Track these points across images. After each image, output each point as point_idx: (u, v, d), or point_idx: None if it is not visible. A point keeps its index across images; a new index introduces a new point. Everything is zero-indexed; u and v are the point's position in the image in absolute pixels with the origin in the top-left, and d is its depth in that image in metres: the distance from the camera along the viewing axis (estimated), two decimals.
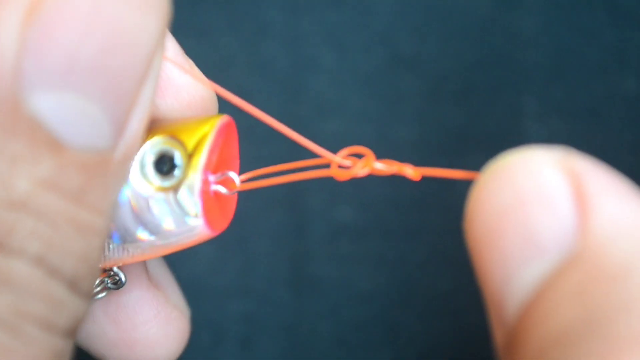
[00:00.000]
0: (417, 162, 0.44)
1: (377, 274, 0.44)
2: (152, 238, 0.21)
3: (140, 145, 0.18)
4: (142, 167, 0.20)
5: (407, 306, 0.44)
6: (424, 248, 0.44)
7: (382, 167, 0.21)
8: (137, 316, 0.25)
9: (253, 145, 0.43)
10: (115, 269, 0.24)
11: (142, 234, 0.20)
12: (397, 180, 0.44)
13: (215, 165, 0.21)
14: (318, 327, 0.43)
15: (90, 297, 0.17)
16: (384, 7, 0.46)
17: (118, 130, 0.17)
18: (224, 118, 0.22)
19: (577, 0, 0.46)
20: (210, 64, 0.45)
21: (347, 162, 0.22)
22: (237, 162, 0.23)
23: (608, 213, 0.16)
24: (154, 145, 0.20)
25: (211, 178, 0.21)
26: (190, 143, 0.20)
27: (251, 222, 0.44)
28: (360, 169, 0.21)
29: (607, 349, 0.14)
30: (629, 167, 0.45)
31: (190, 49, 0.45)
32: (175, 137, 0.20)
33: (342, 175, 0.21)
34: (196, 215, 0.20)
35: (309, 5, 0.45)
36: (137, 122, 0.17)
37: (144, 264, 0.26)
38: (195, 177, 0.20)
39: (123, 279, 0.24)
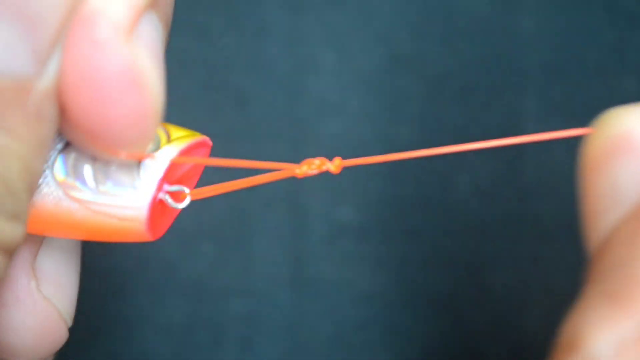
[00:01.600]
0: (416, 162, 0.44)
1: (377, 274, 0.44)
2: (91, 186, 0.20)
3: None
4: None
5: (407, 306, 0.44)
6: (424, 248, 0.44)
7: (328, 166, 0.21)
8: None
9: (254, 145, 0.43)
10: None
11: (87, 178, 0.20)
12: (397, 180, 0.44)
13: (176, 179, 0.21)
14: (318, 327, 0.43)
15: (14, 220, 0.17)
16: (384, 7, 0.46)
17: (39, 60, 0.17)
18: (209, 141, 0.22)
19: (577, 0, 0.46)
20: (210, 64, 0.45)
21: (311, 170, 0.21)
22: (193, 187, 0.22)
23: None
24: None
25: (166, 186, 0.21)
26: (175, 135, 0.20)
27: (251, 222, 0.44)
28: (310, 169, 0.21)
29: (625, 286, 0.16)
30: None
31: (190, 49, 0.45)
32: (163, 125, 0.20)
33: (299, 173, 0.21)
34: (145, 194, 0.20)
35: (309, 5, 0.45)
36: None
37: (33, 247, 0.24)
38: (169, 152, 0.20)
39: None
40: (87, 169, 0.20)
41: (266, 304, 0.43)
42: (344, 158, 0.22)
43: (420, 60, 0.45)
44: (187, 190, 0.21)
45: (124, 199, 0.20)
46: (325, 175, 0.45)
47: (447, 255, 0.44)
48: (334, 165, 0.21)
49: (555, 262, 0.44)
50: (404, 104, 0.45)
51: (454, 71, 0.45)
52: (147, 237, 0.21)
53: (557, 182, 0.44)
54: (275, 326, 0.43)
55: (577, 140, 0.48)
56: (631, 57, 0.45)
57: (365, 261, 0.44)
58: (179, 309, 0.43)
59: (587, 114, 0.49)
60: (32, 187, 0.18)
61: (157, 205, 0.21)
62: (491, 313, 0.44)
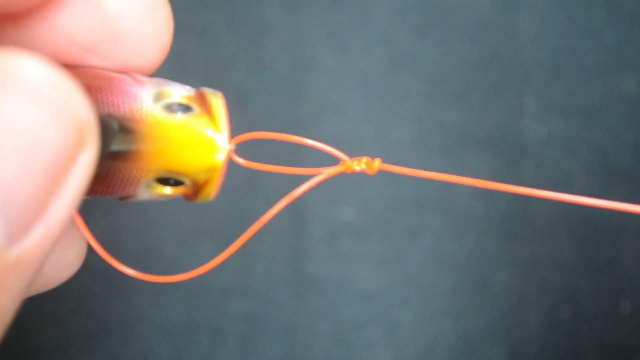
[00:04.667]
0: (417, 162, 0.44)
1: (377, 274, 0.44)
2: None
3: (44, 254, 0.18)
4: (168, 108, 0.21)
5: (407, 306, 0.44)
6: (424, 248, 0.44)
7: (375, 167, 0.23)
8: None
9: (254, 145, 0.43)
10: None
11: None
12: (397, 180, 0.44)
13: None
14: (318, 327, 0.43)
15: None
16: (384, 7, 0.46)
17: (12, 233, 0.17)
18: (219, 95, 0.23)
19: (577, 0, 0.46)
20: (210, 64, 0.45)
21: (357, 166, 0.23)
22: None
23: None
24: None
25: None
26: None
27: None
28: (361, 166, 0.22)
29: None
30: (629, 167, 0.45)
31: (190, 49, 0.45)
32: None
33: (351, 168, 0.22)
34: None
35: (309, 5, 0.45)
36: (41, 233, 0.17)
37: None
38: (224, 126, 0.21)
39: None
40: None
41: (266, 303, 0.43)
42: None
43: (420, 60, 0.45)
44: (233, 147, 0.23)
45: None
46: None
47: (447, 255, 0.44)
48: (374, 167, 0.23)
49: (555, 262, 0.44)
50: (404, 104, 0.45)
51: (454, 71, 0.45)
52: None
53: (557, 182, 0.44)
54: (275, 326, 0.43)
55: (577, 140, 0.48)
56: (631, 57, 0.45)
57: (365, 261, 0.44)
58: (178, 309, 0.43)
59: (587, 114, 0.49)
60: None
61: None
62: (491, 313, 0.44)
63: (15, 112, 0.16)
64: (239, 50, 0.45)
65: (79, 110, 0.17)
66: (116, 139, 0.20)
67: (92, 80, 0.20)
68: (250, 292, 0.43)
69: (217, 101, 0.22)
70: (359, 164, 0.23)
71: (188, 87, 0.22)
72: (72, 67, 0.20)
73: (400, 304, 0.44)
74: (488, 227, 0.44)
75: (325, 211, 0.44)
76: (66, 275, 0.26)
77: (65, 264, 0.26)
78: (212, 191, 0.23)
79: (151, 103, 0.20)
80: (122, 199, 0.21)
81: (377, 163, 0.23)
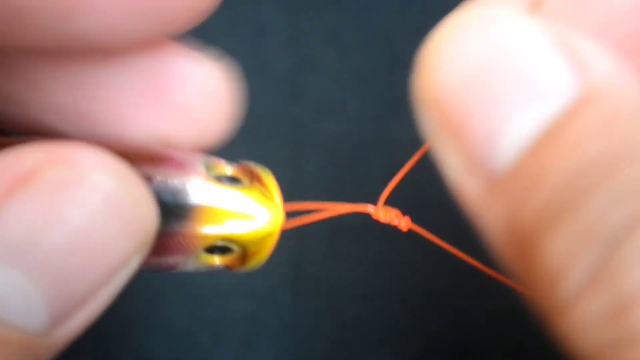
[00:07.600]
0: (416, 162, 0.44)
1: (376, 274, 0.44)
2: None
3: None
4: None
5: (407, 306, 0.44)
6: (424, 248, 0.44)
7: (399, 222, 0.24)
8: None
9: (253, 145, 0.43)
10: None
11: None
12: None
13: None
14: (318, 327, 0.43)
15: None
16: (384, 7, 0.46)
17: (56, 320, 0.17)
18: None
19: None
20: None
21: (385, 216, 0.24)
22: None
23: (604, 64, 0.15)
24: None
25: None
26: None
27: None
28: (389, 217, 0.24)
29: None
30: None
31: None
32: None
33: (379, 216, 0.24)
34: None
35: (309, 5, 0.46)
36: (81, 320, 0.18)
37: None
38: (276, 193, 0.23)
39: None
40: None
41: (266, 304, 0.43)
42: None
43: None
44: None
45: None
46: (324, 174, 0.45)
47: (446, 255, 0.44)
48: (404, 223, 0.25)
49: None
50: (404, 104, 0.45)
51: None
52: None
53: None
54: (275, 326, 0.43)
55: None
56: None
57: (365, 261, 0.44)
58: (178, 309, 0.43)
59: None
60: None
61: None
62: (491, 312, 0.44)
63: (88, 219, 0.16)
64: (239, 50, 0.45)
65: (147, 220, 0.17)
66: (174, 214, 0.20)
67: (146, 161, 0.20)
68: (250, 292, 0.43)
69: (267, 174, 0.22)
70: (388, 217, 0.25)
71: (229, 162, 0.23)
72: (123, 148, 0.20)
73: (399, 303, 0.44)
74: None
75: None
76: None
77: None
78: (262, 259, 0.23)
79: (204, 176, 0.21)
80: (164, 270, 0.22)
81: (404, 222, 0.24)
